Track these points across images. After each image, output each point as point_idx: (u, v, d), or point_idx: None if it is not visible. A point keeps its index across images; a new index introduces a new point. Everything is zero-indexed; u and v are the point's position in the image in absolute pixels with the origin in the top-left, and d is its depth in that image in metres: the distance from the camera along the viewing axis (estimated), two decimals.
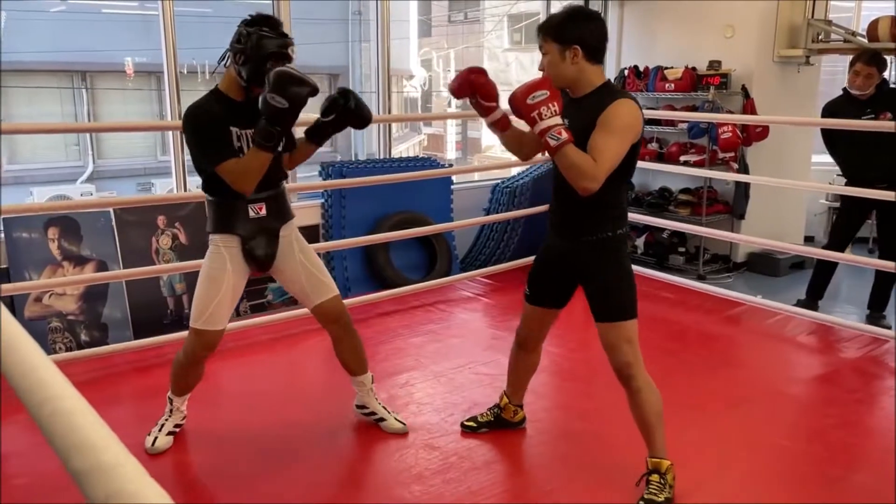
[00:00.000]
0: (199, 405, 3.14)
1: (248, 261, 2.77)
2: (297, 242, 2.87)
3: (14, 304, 3.89)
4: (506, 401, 3.04)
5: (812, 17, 5.73)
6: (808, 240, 6.53)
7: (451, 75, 16.42)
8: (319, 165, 5.29)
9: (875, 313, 4.74)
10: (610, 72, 6.60)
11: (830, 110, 4.71)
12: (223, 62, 2.67)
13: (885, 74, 4.58)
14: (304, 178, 5.86)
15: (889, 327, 4.54)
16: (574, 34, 2.39)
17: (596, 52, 2.44)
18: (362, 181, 4.86)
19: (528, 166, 5.83)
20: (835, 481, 2.77)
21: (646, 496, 2.51)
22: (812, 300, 4.88)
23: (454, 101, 16.74)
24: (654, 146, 6.19)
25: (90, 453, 0.67)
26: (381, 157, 5.69)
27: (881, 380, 3.74)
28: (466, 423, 3.08)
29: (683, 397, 3.37)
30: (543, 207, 5.47)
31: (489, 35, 16.60)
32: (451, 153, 16.06)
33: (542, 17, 7.18)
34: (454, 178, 5.86)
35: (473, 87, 2.61)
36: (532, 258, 2.90)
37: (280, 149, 2.71)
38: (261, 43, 2.54)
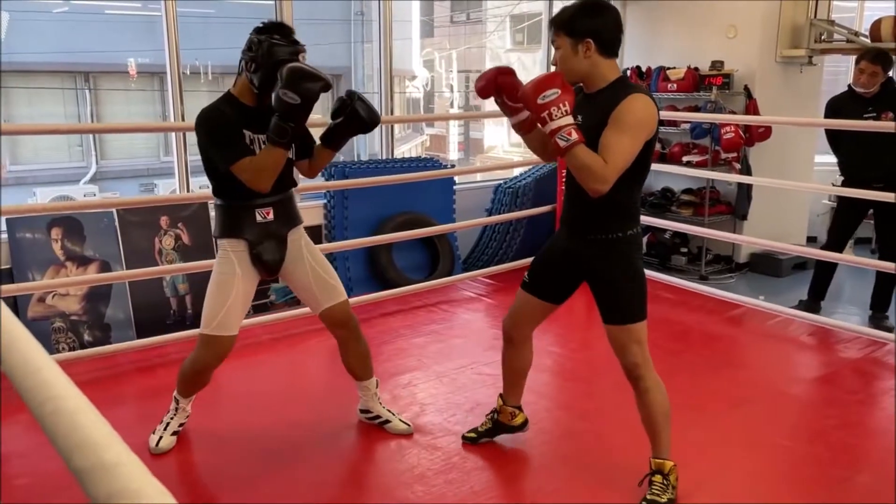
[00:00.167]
0: (201, 405, 3.15)
1: (257, 265, 2.77)
2: (306, 247, 2.87)
3: (17, 305, 3.90)
4: (501, 403, 2.96)
5: (815, 17, 5.72)
6: (811, 240, 6.51)
7: (454, 76, 16.47)
8: None
9: (877, 314, 4.73)
10: None
11: (833, 106, 4.73)
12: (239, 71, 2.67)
13: (891, 73, 4.58)
14: (306, 179, 5.86)
15: (891, 328, 4.54)
16: (587, 27, 2.33)
17: (610, 46, 2.38)
18: (365, 182, 4.86)
19: (530, 167, 5.83)
20: (836, 482, 2.76)
21: (648, 497, 2.51)
22: (814, 301, 4.88)
23: (456, 102, 16.77)
24: (656, 146, 6.17)
25: (92, 452, 0.67)
26: (384, 157, 5.70)
27: (882, 381, 3.73)
28: (467, 435, 3.01)
29: (685, 398, 3.36)
30: (546, 208, 5.49)
31: (491, 36, 16.60)
32: (453, 154, 16.06)
33: (545, 18, 7.19)
34: (456, 178, 5.86)
35: (499, 88, 2.58)
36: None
37: (290, 154, 2.71)
38: (272, 51, 2.55)
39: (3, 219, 3.93)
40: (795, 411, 3.45)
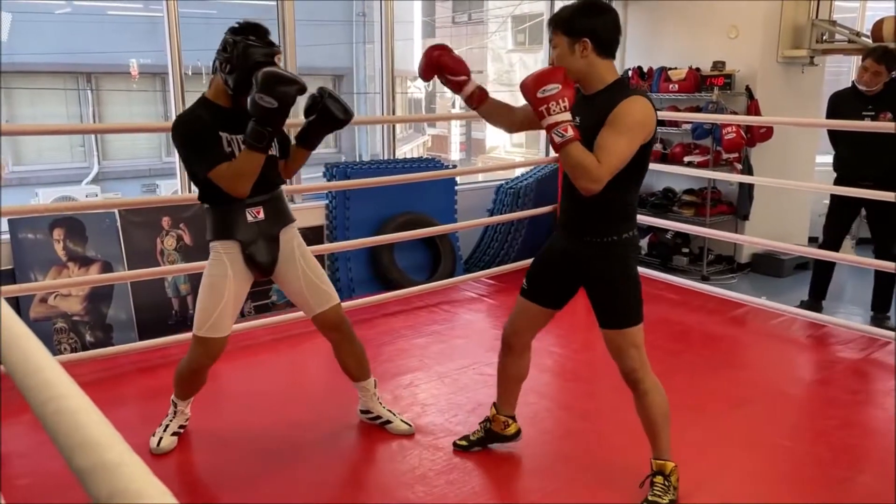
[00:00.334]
0: (202, 405, 3.15)
1: (250, 266, 2.77)
2: (298, 248, 2.86)
3: (20, 305, 3.91)
4: (494, 412, 2.93)
5: (816, 17, 5.72)
6: (813, 240, 6.49)
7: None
8: (324, 166, 5.30)
9: (879, 314, 4.73)
10: None
11: (835, 101, 4.77)
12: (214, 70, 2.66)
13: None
14: (308, 180, 5.87)
15: (893, 329, 4.53)
16: (584, 27, 2.31)
17: (607, 46, 2.36)
18: (366, 182, 4.86)
19: (531, 167, 5.83)
20: (837, 482, 2.76)
21: (650, 498, 2.50)
22: (815, 301, 4.88)
23: (458, 102, 16.76)
24: (657, 147, 6.17)
25: (94, 452, 0.68)
26: (385, 158, 5.70)
27: (883, 381, 3.73)
28: (458, 443, 2.98)
29: (686, 398, 3.37)
30: (547, 208, 5.49)
31: (493, 36, 16.60)
32: (455, 154, 16.06)
33: (546, 18, 7.19)
34: (458, 178, 5.86)
35: (439, 65, 2.57)
36: None
37: (274, 151, 2.71)
38: (247, 52, 2.52)
39: (6, 219, 3.94)
40: (796, 411, 3.45)
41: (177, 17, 4.44)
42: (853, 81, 4.65)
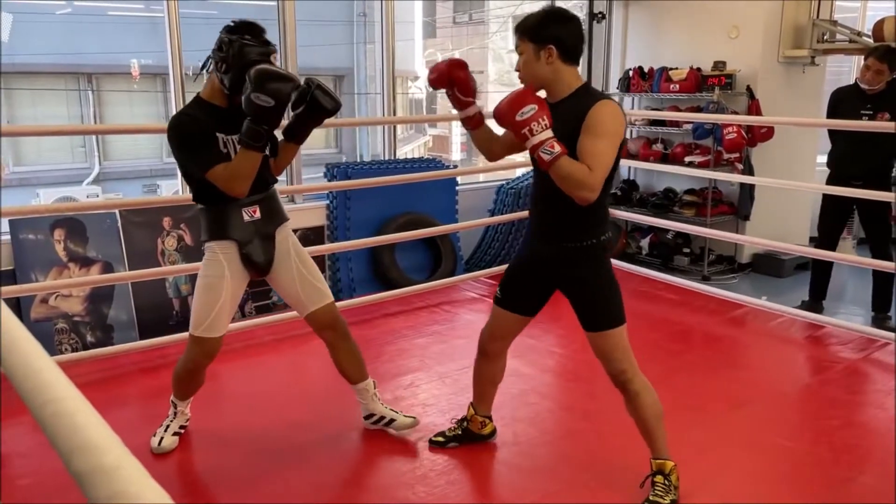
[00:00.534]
0: (203, 406, 3.15)
1: (247, 265, 2.76)
2: (293, 247, 2.85)
3: (20, 306, 3.91)
4: (472, 412, 2.97)
5: (817, 17, 5.72)
6: (814, 241, 6.49)
7: None
8: (325, 167, 5.30)
9: (879, 315, 4.72)
10: (614, 72, 6.60)
11: (835, 97, 4.79)
12: (205, 69, 2.65)
13: None
14: (309, 180, 5.87)
15: (893, 328, 4.53)
16: (550, 33, 2.36)
17: (572, 53, 2.40)
18: (367, 182, 4.86)
19: (532, 168, 5.82)
20: (838, 482, 2.76)
21: (651, 498, 2.50)
22: (815, 301, 4.89)
23: None
24: (658, 147, 6.18)
25: (92, 455, 0.67)
26: (386, 158, 5.70)
27: (883, 381, 3.72)
28: (434, 439, 3.00)
29: (686, 398, 3.37)
30: None
31: (494, 36, 16.60)
32: (456, 154, 16.05)
33: None
34: (459, 179, 5.86)
35: (452, 81, 2.60)
36: None
37: (268, 150, 2.70)
38: (242, 51, 2.51)
39: (6, 220, 3.94)
40: (797, 412, 3.45)
41: (177, 17, 4.45)
42: (856, 79, 4.65)
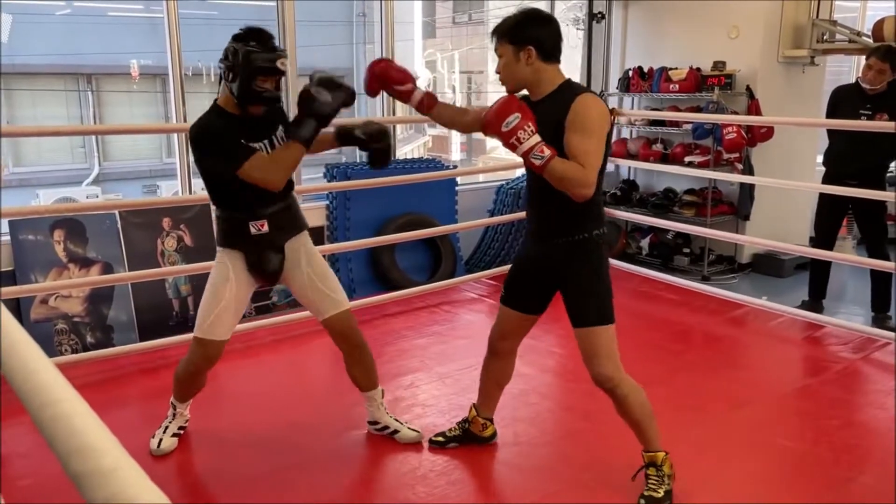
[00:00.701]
0: (203, 406, 3.15)
1: (253, 273, 2.77)
2: (305, 256, 2.83)
3: (20, 307, 3.91)
4: (474, 413, 2.97)
5: (817, 17, 5.71)
6: (813, 240, 6.50)
7: (456, 76, 16.46)
8: (324, 167, 5.30)
9: (879, 315, 4.72)
10: (614, 72, 6.60)
11: (835, 95, 4.79)
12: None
13: None
14: (308, 180, 5.87)
15: (893, 328, 4.53)
16: (528, 35, 2.39)
17: (551, 52, 2.42)
18: (367, 183, 4.86)
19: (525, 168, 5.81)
20: (838, 482, 2.76)
21: (645, 493, 2.51)
22: (815, 300, 4.88)
23: (459, 103, 16.76)
24: (658, 147, 6.18)
25: (90, 457, 0.67)
26: None
27: (884, 381, 3.72)
28: (434, 439, 3.00)
29: (686, 398, 3.37)
30: None
31: None
32: (455, 154, 16.04)
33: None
34: (459, 179, 5.86)
35: (381, 78, 2.61)
36: None
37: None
38: (248, 58, 2.50)
39: (6, 221, 3.94)
40: (797, 412, 3.45)
41: (177, 17, 4.44)
42: (857, 79, 4.65)
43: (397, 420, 3.07)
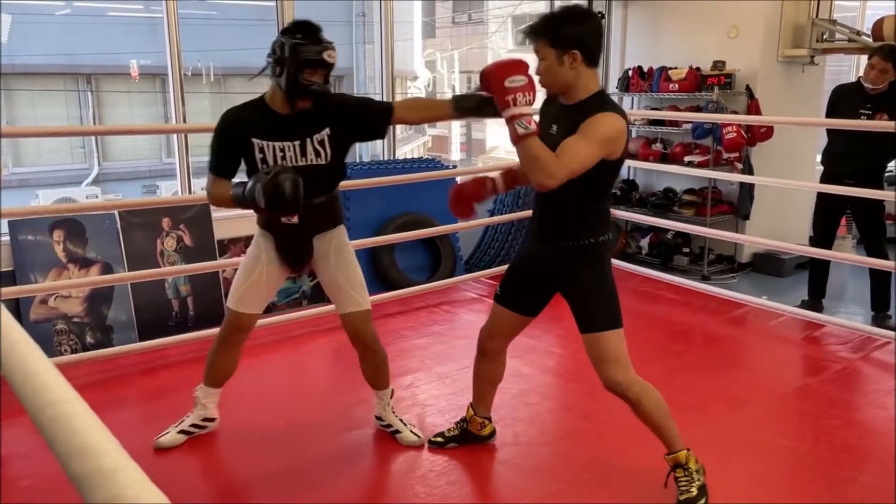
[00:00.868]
0: None
1: (281, 258, 2.81)
2: (334, 250, 2.81)
3: (20, 307, 3.90)
4: (471, 413, 2.95)
5: (816, 16, 5.72)
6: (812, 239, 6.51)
7: (456, 76, 16.46)
8: None
9: (879, 314, 4.72)
10: (614, 72, 6.60)
11: (835, 94, 4.79)
12: (263, 72, 2.63)
13: None
14: None
15: (893, 328, 4.53)
16: (573, 36, 2.25)
17: (594, 56, 2.32)
18: (367, 182, 4.85)
19: None
20: (839, 482, 2.76)
21: (681, 498, 2.48)
22: (815, 299, 4.88)
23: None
24: (658, 147, 6.18)
25: (90, 458, 0.67)
26: (386, 158, 5.70)
27: (884, 381, 3.72)
28: (433, 440, 2.99)
29: (687, 398, 3.36)
30: None
31: (493, 36, 16.60)
32: (455, 154, 16.05)
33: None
34: (458, 179, 5.85)
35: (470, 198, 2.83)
36: None
37: (322, 160, 2.67)
38: (295, 51, 2.49)
39: (6, 221, 3.94)
40: (797, 411, 3.45)
41: (177, 17, 4.44)
42: (859, 78, 4.65)
43: (402, 421, 3.07)
